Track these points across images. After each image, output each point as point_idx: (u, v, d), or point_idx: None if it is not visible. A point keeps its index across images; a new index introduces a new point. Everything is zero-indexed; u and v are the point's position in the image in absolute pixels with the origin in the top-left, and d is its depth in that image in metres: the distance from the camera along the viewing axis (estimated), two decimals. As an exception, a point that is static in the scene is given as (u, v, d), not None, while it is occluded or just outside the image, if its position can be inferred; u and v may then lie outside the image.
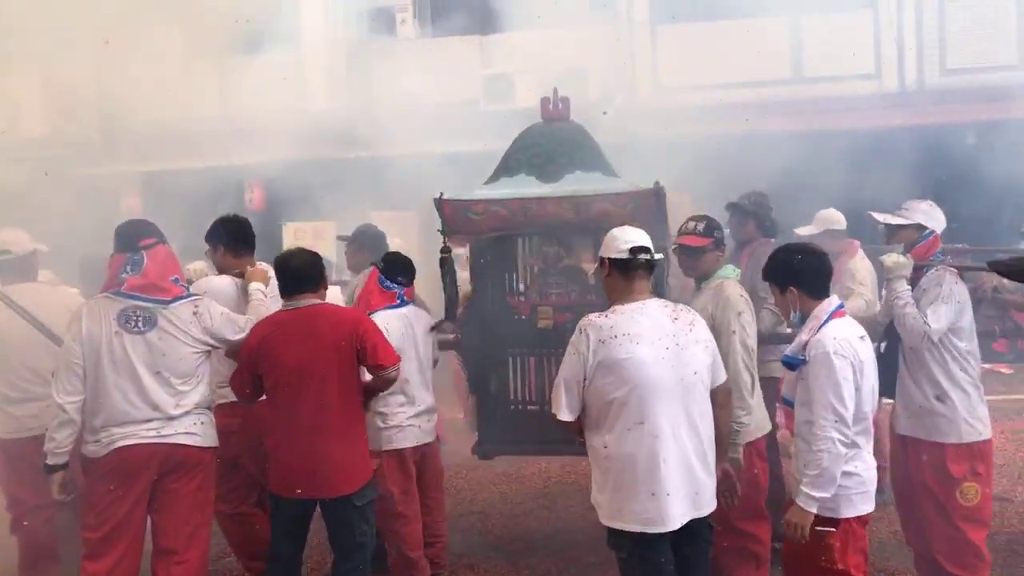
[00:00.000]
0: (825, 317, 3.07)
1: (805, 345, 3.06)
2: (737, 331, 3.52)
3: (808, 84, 10.10)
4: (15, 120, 10.61)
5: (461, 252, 4.63)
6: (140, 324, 3.35)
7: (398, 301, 4.11)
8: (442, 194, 4.18)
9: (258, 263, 4.21)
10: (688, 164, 7.81)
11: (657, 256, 3.05)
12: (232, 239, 4.18)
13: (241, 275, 4.08)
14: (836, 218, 5.08)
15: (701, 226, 3.78)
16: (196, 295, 3.64)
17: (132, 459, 3.33)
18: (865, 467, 3.04)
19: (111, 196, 10.57)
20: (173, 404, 3.40)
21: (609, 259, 3.01)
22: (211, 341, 3.55)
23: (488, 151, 8.67)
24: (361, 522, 3.60)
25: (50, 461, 3.33)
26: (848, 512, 3.01)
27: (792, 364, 3.12)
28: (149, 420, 3.35)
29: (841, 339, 3.00)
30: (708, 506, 2.95)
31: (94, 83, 11.08)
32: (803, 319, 3.19)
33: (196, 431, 3.47)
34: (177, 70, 11.09)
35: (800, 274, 3.16)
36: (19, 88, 10.36)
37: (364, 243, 5.18)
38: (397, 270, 4.19)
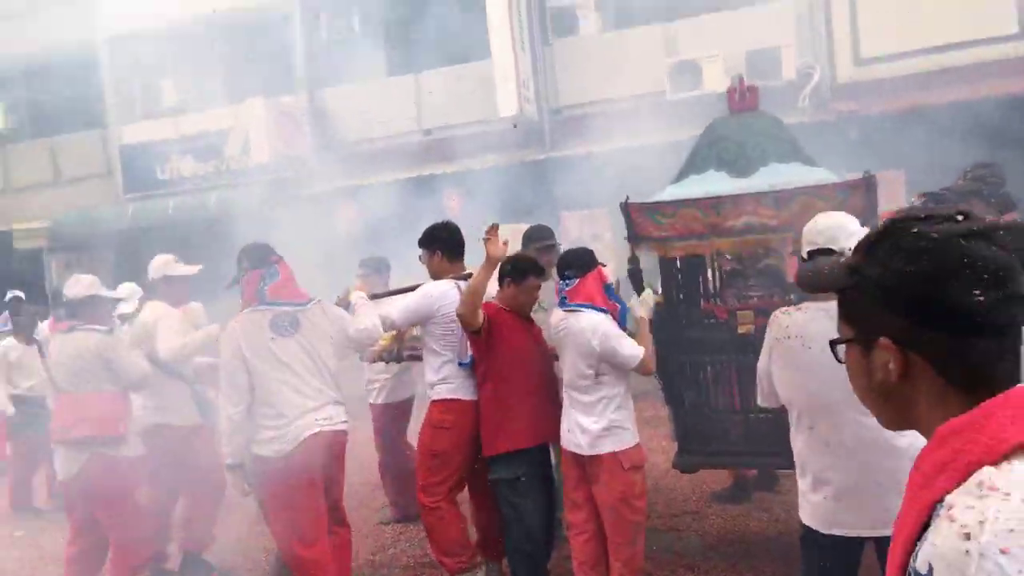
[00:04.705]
0: None
1: None
2: None
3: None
4: (247, 148, 11.91)
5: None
6: (288, 327, 3.73)
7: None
8: (628, 198, 3.96)
9: (468, 267, 4.27)
10: (898, 141, 7.25)
11: None
12: (449, 244, 4.28)
13: (459, 279, 4.16)
14: None
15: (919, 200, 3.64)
16: (318, 299, 3.98)
17: (316, 446, 3.69)
18: None
19: (328, 210, 11.48)
20: (332, 394, 3.80)
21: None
22: (336, 335, 3.92)
23: (678, 141, 8.59)
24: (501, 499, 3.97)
25: (232, 462, 3.73)
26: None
27: None
28: (320, 407, 3.72)
29: None
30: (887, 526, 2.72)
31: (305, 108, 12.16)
32: None
33: (347, 418, 3.90)
34: (378, 89, 11.94)
35: None
36: (248, 119, 11.57)
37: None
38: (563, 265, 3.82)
